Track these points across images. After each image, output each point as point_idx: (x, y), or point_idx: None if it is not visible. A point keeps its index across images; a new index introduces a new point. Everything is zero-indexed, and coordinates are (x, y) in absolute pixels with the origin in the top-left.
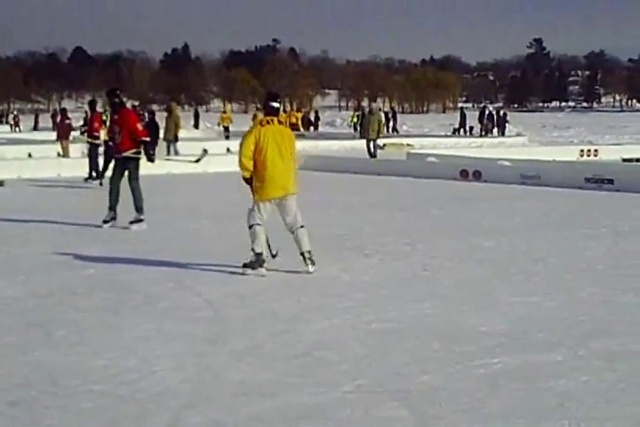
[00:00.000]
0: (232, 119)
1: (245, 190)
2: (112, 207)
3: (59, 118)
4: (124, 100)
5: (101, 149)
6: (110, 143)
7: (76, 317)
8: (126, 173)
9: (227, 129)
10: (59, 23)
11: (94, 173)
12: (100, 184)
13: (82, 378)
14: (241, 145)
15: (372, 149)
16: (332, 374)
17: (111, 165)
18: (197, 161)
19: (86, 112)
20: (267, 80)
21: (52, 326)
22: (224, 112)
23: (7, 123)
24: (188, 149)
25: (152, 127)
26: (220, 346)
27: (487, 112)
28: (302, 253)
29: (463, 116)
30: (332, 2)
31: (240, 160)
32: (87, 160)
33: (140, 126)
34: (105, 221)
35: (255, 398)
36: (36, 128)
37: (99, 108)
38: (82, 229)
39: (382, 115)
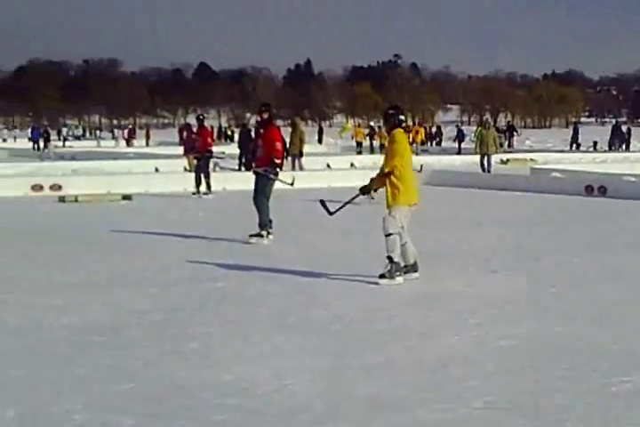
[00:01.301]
0: (364, 134)
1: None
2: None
3: (185, 133)
4: (247, 115)
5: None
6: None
7: (206, 330)
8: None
9: (359, 144)
10: (184, 39)
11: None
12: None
13: (213, 391)
14: (395, 150)
15: (487, 165)
16: (461, 390)
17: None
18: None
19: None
20: (389, 95)
21: (183, 340)
22: (358, 126)
23: (123, 138)
24: (312, 164)
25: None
26: (350, 360)
27: (617, 127)
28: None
29: (576, 131)
30: (452, 17)
31: (394, 165)
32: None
33: (279, 146)
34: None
35: (385, 414)
36: (147, 144)
37: (223, 123)
38: (210, 242)
39: (494, 129)
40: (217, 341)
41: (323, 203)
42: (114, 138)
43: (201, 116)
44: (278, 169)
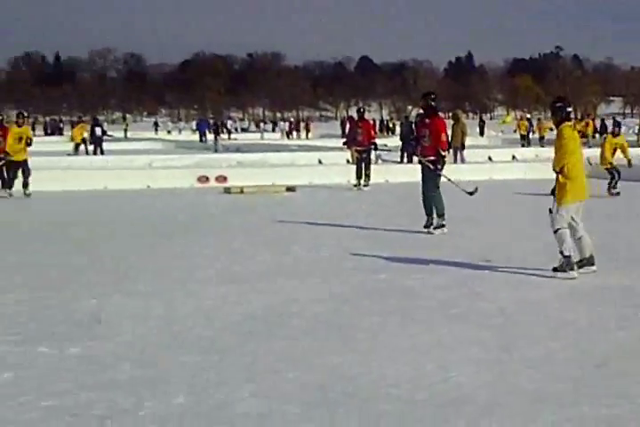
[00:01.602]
0: (527, 126)
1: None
2: (428, 213)
3: (347, 126)
4: (410, 108)
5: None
6: (414, 143)
7: (371, 321)
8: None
9: (523, 137)
10: (346, 33)
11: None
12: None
13: (378, 381)
14: (564, 146)
15: None
16: (628, 385)
17: None
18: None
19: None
20: (550, 87)
21: (348, 330)
22: (521, 119)
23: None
24: (474, 156)
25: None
26: (513, 353)
27: None
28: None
29: None
30: (614, 9)
31: (563, 163)
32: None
33: (444, 137)
34: (425, 227)
35: (550, 408)
36: (307, 136)
37: (384, 116)
38: (371, 233)
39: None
40: (381, 331)
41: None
42: (274, 130)
43: (362, 109)
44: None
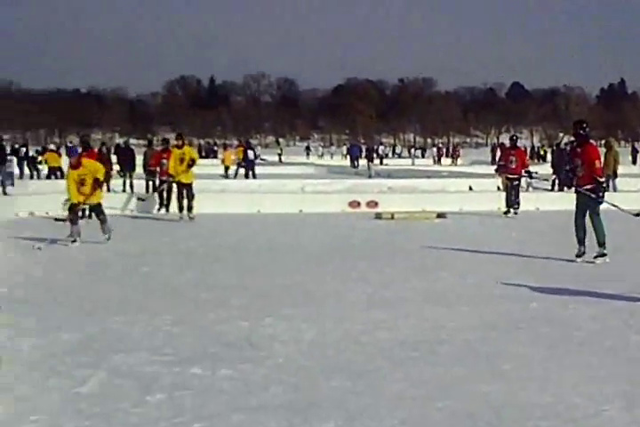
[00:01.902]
0: None
1: None
2: (580, 242)
3: (499, 153)
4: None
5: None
6: (570, 175)
7: (520, 350)
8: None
9: None
10: (497, 59)
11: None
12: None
13: (526, 412)
14: None
15: None
16: None
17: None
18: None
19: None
20: None
21: (496, 359)
22: None
23: (447, 156)
24: (626, 185)
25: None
26: None
27: None
28: None
29: None
30: None
31: None
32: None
33: (598, 164)
34: (577, 256)
35: None
36: (454, 163)
37: (535, 143)
38: (521, 261)
39: None
40: (531, 361)
41: None
42: (424, 156)
43: (515, 137)
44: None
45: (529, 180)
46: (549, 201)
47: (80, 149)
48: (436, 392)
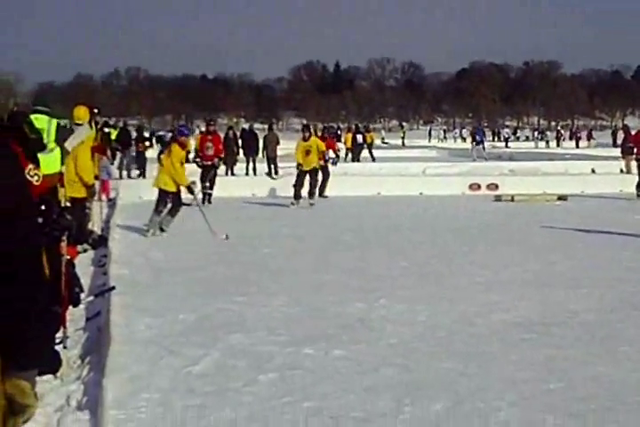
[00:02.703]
0: None
1: None
2: None
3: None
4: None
5: None
6: None
7: (637, 333)
8: None
9: None
10: (623, 41)
11: None
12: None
13: None
14: None
15: None
16: None
17: None
18: None
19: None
20: None
21: (613, 342)
22: None
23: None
24: None
25: None
26: None
27: None
28: None
29: None
30: None
31: None
32: None
33: None
34: None
35: None
36: (577, 145)
37: None
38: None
39: None
40: None
41: None
42: (542, 139)
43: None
44: None
45: None
46: None
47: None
48: (548, 375)
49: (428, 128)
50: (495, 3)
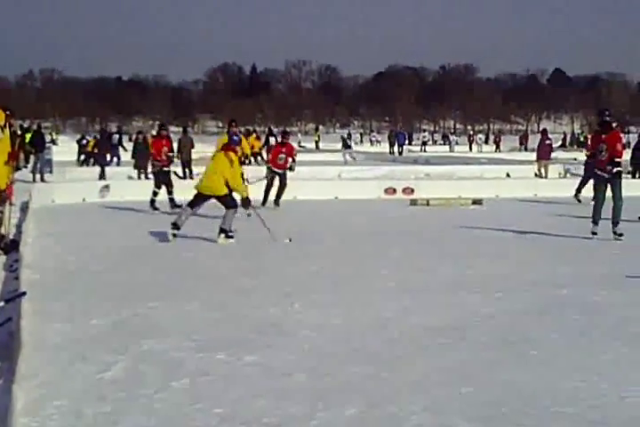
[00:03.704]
0: None
1: None
2: (595, 222)
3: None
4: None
5: None
6: (590, 161)
7: (548, 337)
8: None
9: None
10: (539, 45)
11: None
12: (578, 201)
13: (552, 399)
14: None
15: None
16: None
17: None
18: None
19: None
20: None
21: (524, 346)
22: None
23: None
24: None
25: None
26: None
27: None
28: None
29: None
30: None
31: None
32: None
33: (619, 147)
34: (593, 233)
35: None
36: (497, 149)
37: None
38: (556, 248)
39: None
40: (558, 348)
41: None
42: (445, 143)
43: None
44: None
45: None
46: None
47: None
48: (461, 379)
49: (346, 132)
50: (411, 6)
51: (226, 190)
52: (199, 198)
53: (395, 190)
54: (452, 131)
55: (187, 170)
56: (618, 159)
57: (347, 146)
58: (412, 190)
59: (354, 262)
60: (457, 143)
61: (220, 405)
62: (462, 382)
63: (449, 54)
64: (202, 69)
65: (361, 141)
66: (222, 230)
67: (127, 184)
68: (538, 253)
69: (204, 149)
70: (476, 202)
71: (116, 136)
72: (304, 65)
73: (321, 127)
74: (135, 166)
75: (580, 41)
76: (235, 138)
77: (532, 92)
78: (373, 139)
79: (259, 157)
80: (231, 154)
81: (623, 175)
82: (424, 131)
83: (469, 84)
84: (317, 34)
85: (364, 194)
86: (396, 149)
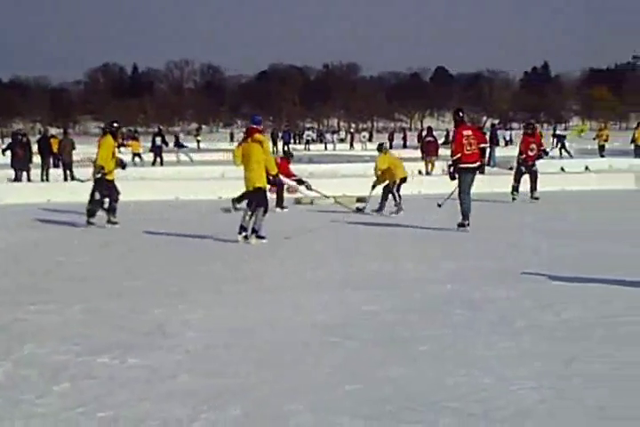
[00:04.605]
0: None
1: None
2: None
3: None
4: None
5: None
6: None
7: (434, 333)
8: None
9: (602, 148)
10: (422, 44)
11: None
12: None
13: (438, 394)
14: None
15: None
16: None
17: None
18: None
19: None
20: (627, 98)
21: (409, 342)
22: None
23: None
24: (547, 167)
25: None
26: (577, 368)
27: None
28: None
29: None
30: None
31: None
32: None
33: (452, 145)
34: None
35: (613, 424)
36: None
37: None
38: (439, 244)
39: None
40: (445, 344)
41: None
42: (321, 142)
43: (531, 124)
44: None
45: None
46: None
47: None
48: (347, 377)
49: (229, 131)
50: (293, 5)
51: (265, 182)
52: (248, 195)
53: None
54: (336, 129)
55: (67, 171)
56: (453, 157)
57: (180, 145)
58: (296, 189)
59: (240, 262)
60: (334, 141)
61: (103, 408)
62: (348, 380)
63: (332, 53)
64: (83, 70)
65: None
66: (254, 231)
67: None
68: (421, 249)
69: (85, 151)
70: (361, 200)
71: None
72: (186, 65)
73: (204, 127)
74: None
75: (462, 39)
76: (256, 118)
77: (415, 91)
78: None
79: (136, 158)
80: (257, 136)
81: None
82: (307, 129)
83: (353, 82)
84: (199, 33)
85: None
86: (280, 147)
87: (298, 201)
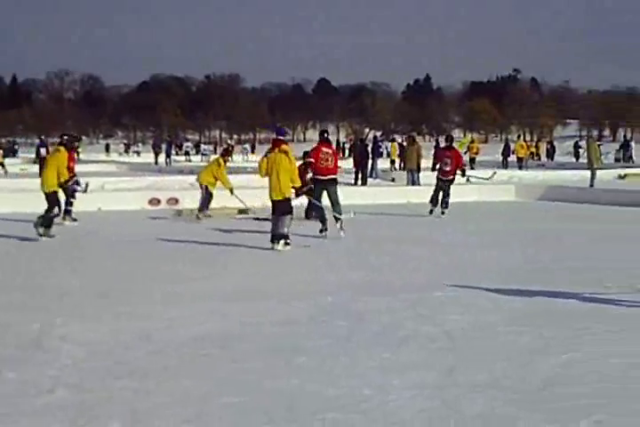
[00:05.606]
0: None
1: None
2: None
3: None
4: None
5: None
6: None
7: (315, 344)
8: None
9: (473, 160)
10: (305, 55)
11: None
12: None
13: (318, 405)
14: None
15: (592, 179)
16: (570, 409)
17: None
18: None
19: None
20: (508, 110)
21: (291, 354)
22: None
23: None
24: (430, 179)
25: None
26: (457, 377)
27: None
28: None
29: None
30: (576, 33)
31: None
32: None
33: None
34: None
35: None
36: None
37: (341, 139)
38: (319, 257)
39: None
40: (325, 355)
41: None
42: (197, 153)
43: (449, 138)
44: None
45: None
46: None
47: None
48: (228, 389)
49: (106, 142)
50: (175, 15)
51: (291, 192)
52: (275, 205)
53: (159, 201)
54: (216, 141)
55: None
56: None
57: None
58: (177, 200)
59: (119, 275)
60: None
61: None
62: (228, 391)
63: (214, 64)
64: None
65: (126, 152)
66: (281, 237)
67: None
68: (301, 263)
69: None
70: (242, 211)
71: None
72: (66, 75)
73: (84, 138)
74: None
75: (345, 51)
76: (282, 130)
77: (297, 102)
78: (135, 149)
79: None
80: (283, 147)
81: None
82: (187, 140)
83: (235, 93)
84: (80, 43)
85: (128, 205)
86: (163, 159)
87: (179, 213)
